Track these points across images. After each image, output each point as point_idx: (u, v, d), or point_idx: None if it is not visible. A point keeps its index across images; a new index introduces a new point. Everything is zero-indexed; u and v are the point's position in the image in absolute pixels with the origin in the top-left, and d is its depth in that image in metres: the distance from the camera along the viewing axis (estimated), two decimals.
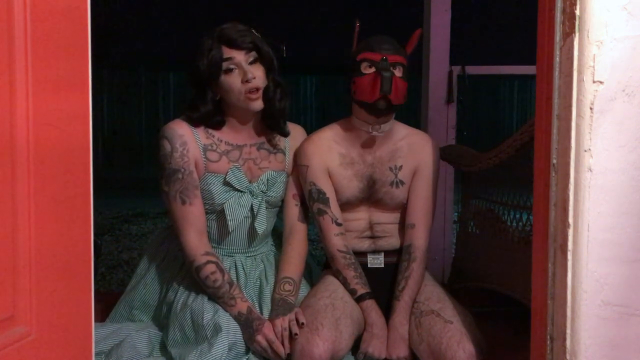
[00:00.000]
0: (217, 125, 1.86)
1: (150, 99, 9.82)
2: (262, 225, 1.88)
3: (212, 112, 1.82)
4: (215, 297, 1.76)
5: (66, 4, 1.07)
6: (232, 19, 1.85)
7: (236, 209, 1.85)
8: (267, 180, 1.90)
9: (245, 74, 1.76)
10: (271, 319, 1.73)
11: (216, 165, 1.85)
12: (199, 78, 1.79)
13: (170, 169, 1.79)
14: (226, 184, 1.85)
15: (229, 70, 1.77)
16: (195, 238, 1.79)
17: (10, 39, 0.97)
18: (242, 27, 1.80)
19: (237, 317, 1.72)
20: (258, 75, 1.78)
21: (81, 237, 1.13)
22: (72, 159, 1.10)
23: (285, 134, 1.95)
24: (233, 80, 1.78)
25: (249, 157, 1.90)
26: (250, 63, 1.78)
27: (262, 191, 1.89)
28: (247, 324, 1.71)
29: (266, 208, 1.90)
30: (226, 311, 1.74)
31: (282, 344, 1.67)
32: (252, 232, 1.91)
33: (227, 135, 1.88)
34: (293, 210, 1.95)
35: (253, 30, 1.82)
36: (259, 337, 1.67)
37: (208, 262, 1.77)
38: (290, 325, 1.68)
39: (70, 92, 1.09)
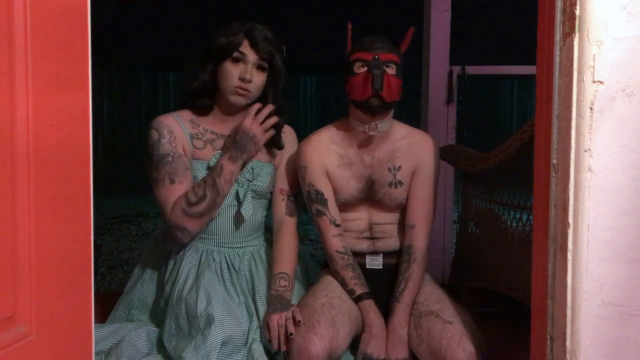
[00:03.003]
0: (205, 109, 1.90)
1: (150, 99, 9.82)
2: (249, 211, 1.89)
3: (208, 83, 1.87)
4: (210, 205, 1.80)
5: (66, 4, 1.07)
6: (232, 19, 1.88)
7: None
8: (253, 169, 1.91)
9: (245, 72, 1.82)
10: (268, 314, 1.74)
11: (201, 152, 1.89)
12: (210, 51, 1.85)
13: (159, 154, 1.83)
14: (210, 169, 1.85)
15: (235, 60, 1.83)
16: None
17: (10, 39, 0.97)
18: (270, 37, 1.86)
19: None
20: (256, 81, 1.85)
21: (81, 237, 1.13)
22: (72, 159, 1.10)
23: (280, 148, 1.98)
24: (233, 70, 1.84)
25: None
26: (257, 68, 1.85)
27: (247, 179, 1.90)
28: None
29: (252, 197, 1.91)
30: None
31: (279, 340, 1.68)
32: (238, 221, 1.91)
33: (212, 124, 1.92)
34: (280, 204, 1.96)
35: (278, 42, 1.88)
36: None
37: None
38: (286, 324, 1.68)
39: (70, 92, 1.09)
